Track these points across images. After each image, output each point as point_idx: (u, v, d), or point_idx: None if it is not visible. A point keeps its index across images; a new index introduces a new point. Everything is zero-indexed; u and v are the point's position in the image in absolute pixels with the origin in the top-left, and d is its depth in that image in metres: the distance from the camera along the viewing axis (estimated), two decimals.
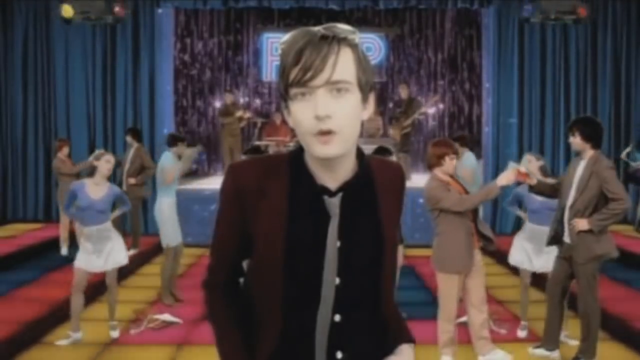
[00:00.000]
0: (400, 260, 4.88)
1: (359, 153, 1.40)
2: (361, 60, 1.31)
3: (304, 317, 1.36)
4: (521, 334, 5.23)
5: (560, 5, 9.00)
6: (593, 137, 4.40)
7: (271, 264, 1.35)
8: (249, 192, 1.37)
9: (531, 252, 5.10)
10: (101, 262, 5.03)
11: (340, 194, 1.36)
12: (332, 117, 1.25)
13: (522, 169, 4.71)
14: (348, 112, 1.28)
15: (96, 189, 4.99)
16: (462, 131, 12.26)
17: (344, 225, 1.36)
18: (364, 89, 1.32)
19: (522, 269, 5.23)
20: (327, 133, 1.26)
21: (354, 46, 1.31)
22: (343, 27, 1.30)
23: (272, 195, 1.36)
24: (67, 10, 8.90)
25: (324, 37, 1.27)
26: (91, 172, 5.06)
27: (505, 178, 4.27)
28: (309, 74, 1.25)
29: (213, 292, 1.50)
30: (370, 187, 1.41)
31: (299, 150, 1.39)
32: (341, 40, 1.28)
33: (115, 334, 5.25)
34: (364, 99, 1.33)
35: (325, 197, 1.35)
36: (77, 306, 5.03)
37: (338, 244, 1.35)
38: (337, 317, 1.36)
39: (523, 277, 5.27)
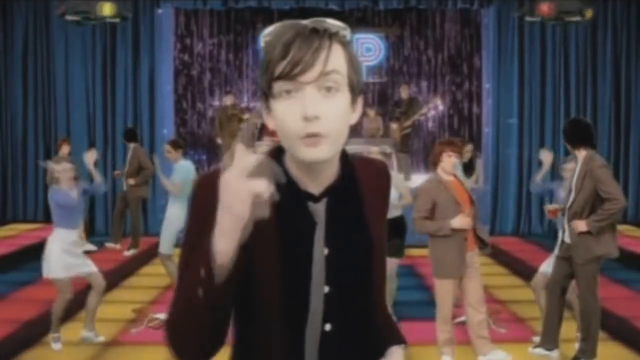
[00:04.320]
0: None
1: (342, 154, 1.31)
2: (352, 59, 1.22)
3: (295, 329, 1.28)
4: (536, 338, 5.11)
5: (561, 5, 9.00)
6: (570, 137, 4.46)
7: (269, 279, 1.24)
8: None
9: None
10: (77, 265, 4.90)
11: (324, 199, 1.27)
12: (321, 119, 1.15)
13: (550, 207, 4.76)
14: (338, 114, 1.18)
15: (70, 191, 4.97)
16: (461, 132, 12.28)
17: (331, 231, 1.28)
18: (355, 90, 1.23)
19: (537, 279, 5.05)
20: (314, 135, 1.15)
21: (345, 44, 1.22)
22: (334, 22, 1.22)
23: None
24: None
25: (314, 30, 1.17)
26: (56, 181, 4.96)
27: (459, 222, 4.25)
28: (298, 68, 1.14)
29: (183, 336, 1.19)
30: (355, 190, 1.33)
31: (277, 153, 1.28)
32: (333, 36, 1.19)
33: (100, 338, 5.12)
34: (353, 101, 1.24)
35: (310, 203, 1.26)
36: (62, 311, 4.95)
37: (325, 251, 1.27)
38: (328, 327, 1.29)
39: (536, 285, 5.05)
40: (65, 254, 4.84)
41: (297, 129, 1.16)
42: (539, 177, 5.56)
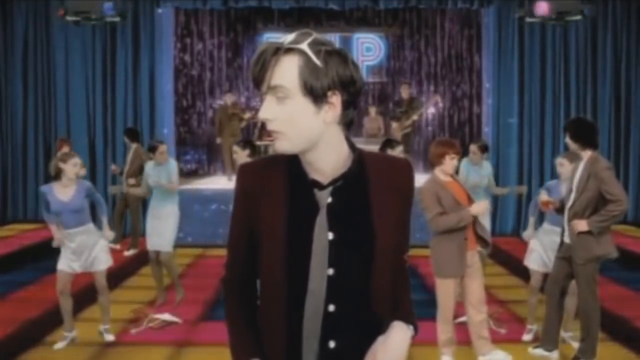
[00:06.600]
0: None
1: (353, 150, 1.47)
2: (309, 66, 1.37)
3: (294, 307, 1.43)
4: (526, 337, 5.15)
5: (561, 5, 8.99)
6: (580, 137, 4.40)
7: (274, 260, 1.43)
8: (253, 191, 1.48)
9: (547, 255, 5.01)
10: (83, 263, 4.94)
11: (330, 188, 1.43)
12: (275, 120, 1.40)
13: (544, 197, 4.73)
14: (288, 117, 1.38)
15: (64, 191, 4.87)
16: (461, 131, 12.28)
17: (335, 217, 1.43)
18: (315, 92, 1.37)
19: (536, 272, 5.11)
20: (273, 132, 1.41)
21: (301, 53, 1.37)
22: (295, 36, 1.39)
23: (273, 193, 1.46)
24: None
25: (266, 51, 1.39)
26: (57, 174, 4.88)
27: (478, 208, 4.27)
28: (255, 83, 1.41)
29: (229, 290, 1.57)
30: (363, 184, 1.46)
31: None
32: (287, 50, 1.37)
33: (109, 337, 5.18)
34: (318, 102, 1.38)
35: (316, 190, 1.44)
36: (67, 307, 4.98)
37: (330, 235, 1.42)
38: (331, 307, 1.42)
39: (534, 280, 5.14)
40: (70, 245, 4.89)
41: None
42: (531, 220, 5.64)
